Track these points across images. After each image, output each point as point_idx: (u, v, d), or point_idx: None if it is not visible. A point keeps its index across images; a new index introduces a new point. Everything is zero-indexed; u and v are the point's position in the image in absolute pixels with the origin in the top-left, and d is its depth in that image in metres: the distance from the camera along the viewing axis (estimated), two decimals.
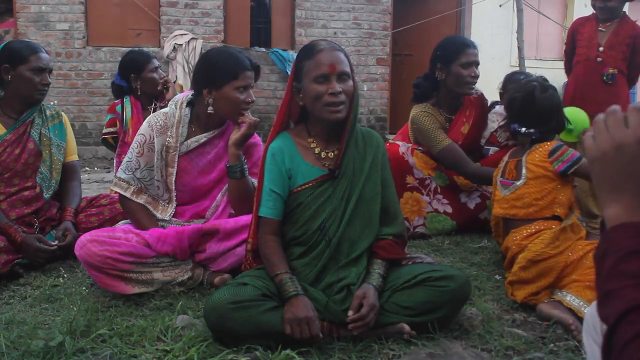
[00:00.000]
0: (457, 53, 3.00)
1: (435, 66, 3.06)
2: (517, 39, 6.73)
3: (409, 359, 1.66)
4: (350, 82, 1.84)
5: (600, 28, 3.37)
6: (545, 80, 2.37)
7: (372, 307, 1.71)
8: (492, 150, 3.23)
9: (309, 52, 1.85)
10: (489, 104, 3.30)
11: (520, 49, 6.62)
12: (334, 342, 1.72)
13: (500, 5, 9.05)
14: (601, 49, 3.33)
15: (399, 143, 3.17)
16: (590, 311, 1.29)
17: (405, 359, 1.67)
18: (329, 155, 1.91)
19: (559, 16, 9.55)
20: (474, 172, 2.99)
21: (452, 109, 3.15)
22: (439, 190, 3.11)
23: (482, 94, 3.25)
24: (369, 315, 1.70)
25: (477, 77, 3.02)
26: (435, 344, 1.73)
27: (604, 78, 3.31)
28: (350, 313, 1.71)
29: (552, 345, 1.76)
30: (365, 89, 8.08)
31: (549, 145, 2.23)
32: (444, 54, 3.04)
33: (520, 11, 6.76)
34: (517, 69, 6.70)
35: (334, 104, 1.80)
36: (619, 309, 0.76)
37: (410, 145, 3.15)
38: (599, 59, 3.33)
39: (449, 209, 3.11)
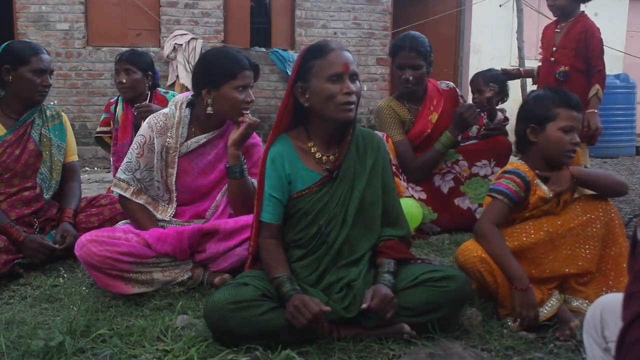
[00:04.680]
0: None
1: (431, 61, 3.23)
2: (517, 39, 6.73)
3: (409, 359, 1.66)
4: (359, 84, 1.84)
5: (556, 29, 3.50)
6: None
7: (383, 297, 1.68)
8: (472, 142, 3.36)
9: (319, 51, 1.83)
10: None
11: (520, 49, 6.62)
12: (334, 342, 1.72)
13: (500, 5, 9.05)
14: (554, 48, 3.45)
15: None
16: (590, 311, 1.30)
17: (405, 359, 1.67)
18: (330, 158, 1.90)
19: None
20: (416, 166, 3.19)
21: (418, 100, 3.28)
22: None
23: (454, 87, 3.42)
24: (384, 308, 1.68)
25: None
26: (435, 344, 1.73)
27: (557, 76, 3.41)
28: (363, 306, 1.69)
29: (552, 345, 1.77)
30: (365, 89, 8.08)
31: (509, 165, 2.09)
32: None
33: (520, 11, 6.76)
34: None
35: (348, 103, 1.80)
36: (636, 310, 0.78)
37: (384, 133, 3.23)
38: (552, 59, 3.46)
39: (423, 195, 3.18)
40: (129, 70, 3.31)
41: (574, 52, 3.39)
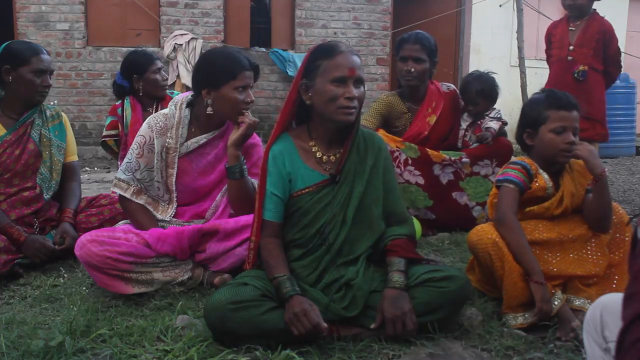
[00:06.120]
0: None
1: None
2: (517, 39, 6.74)
3: (409, 359, 1.66)
4: (362, 89, 1.85)
5: (570, 28, 3.51)
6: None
7: (394, 319, 1.71)
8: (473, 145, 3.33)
9: (328, 51, 1.83)
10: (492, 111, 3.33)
11: (520, 49, 6.63)
12: (334, 342, 1.72)
13: (500, 5, 9.05)
14: (571, 47, 3.45)
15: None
16: (590, 311, 1.30)
17: (405, 359, 1.67)
18: (330, 159, 1.90)
19: (558, 16, 9.41)
20: None
21: (416, 100, 3.27)
22: (409, 162, 3.13)
23: (455, 90, 3.37)
24: (397, 328, 1.72)
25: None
26: (435, 344, 1.73)
27: (575, 75, 3.41)
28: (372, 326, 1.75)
29: (552, 345, 1.77)
30: (365, 89, 8.08)
31: (516, 158, 2.19)
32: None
33: (520, 11, 6.77)
34: (517, 68, 6.71)
35: (349, 108, 1.80)
36: (636, 310, 0.78)
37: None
38: (569, 58, 3.46)
39: (421, 180, 3.14)
40: (162, 68, 3.48)
41: (591, 51, 3.39)
